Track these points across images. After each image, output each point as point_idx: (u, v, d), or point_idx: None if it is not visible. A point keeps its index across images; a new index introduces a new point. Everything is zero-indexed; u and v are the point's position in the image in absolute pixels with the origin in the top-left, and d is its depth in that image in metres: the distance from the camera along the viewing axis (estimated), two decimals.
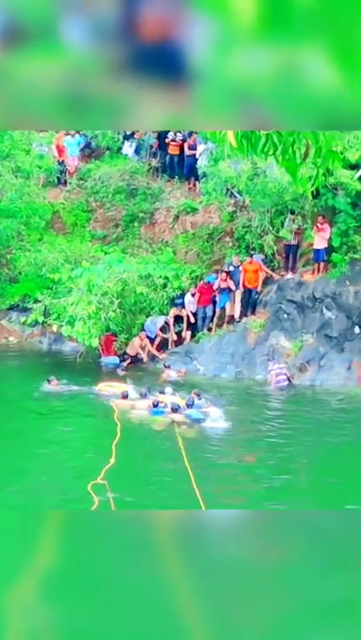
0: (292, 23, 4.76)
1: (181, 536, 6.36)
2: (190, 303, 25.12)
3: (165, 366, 23.64)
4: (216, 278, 25.12)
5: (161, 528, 6.38)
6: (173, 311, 25.06)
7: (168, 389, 21.16)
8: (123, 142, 28.39)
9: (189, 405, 19.88)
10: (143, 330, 24.74)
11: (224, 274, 24.87)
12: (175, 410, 19.69)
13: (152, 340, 24.75)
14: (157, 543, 6.24)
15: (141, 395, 20.75)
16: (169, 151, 28.13)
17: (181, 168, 28.02)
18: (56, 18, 5.04)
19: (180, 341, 25.23)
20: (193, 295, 25.04)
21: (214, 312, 25.19)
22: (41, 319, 24.17)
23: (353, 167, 23.23)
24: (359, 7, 4.85)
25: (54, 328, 24.23)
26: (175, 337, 25.24)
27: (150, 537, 6.28)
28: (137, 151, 28.49)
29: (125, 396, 20.70)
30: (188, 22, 4.88)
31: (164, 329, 25.07)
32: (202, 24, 4.84)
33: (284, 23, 4.75)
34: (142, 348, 24.52)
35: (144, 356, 24.39)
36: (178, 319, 25.23)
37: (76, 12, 4.99)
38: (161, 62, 5.04)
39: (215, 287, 24.99)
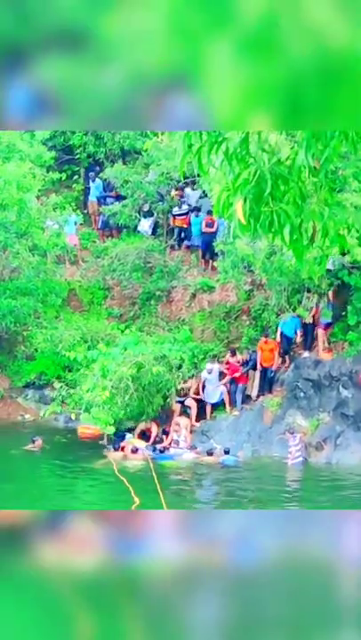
0: None
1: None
2: (206, 380, 24.95)
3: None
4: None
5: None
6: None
7: (129, 435, 23.82)
8: (139, 220, 28.44)
9: (226, 452, 23.05)
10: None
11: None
12: (210, 454, 23.11)
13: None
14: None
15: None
16: (175, 224, 28.32)
17: (189, 240, 28.13)
18: None
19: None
20: (210, 372, 24.91)
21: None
22: (59, 409, 24.26)
23: None
24: None
25: (72, 416, 24.24)
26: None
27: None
28: (154, 229, 28.56)
29: (117, 449, 23.00)
30: None
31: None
32: None
33: None
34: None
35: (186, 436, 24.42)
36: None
37: None
38: None
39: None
